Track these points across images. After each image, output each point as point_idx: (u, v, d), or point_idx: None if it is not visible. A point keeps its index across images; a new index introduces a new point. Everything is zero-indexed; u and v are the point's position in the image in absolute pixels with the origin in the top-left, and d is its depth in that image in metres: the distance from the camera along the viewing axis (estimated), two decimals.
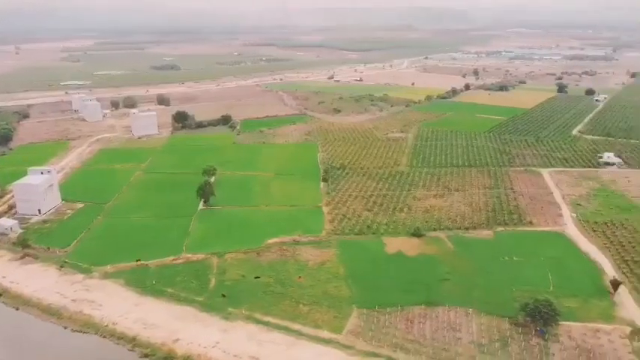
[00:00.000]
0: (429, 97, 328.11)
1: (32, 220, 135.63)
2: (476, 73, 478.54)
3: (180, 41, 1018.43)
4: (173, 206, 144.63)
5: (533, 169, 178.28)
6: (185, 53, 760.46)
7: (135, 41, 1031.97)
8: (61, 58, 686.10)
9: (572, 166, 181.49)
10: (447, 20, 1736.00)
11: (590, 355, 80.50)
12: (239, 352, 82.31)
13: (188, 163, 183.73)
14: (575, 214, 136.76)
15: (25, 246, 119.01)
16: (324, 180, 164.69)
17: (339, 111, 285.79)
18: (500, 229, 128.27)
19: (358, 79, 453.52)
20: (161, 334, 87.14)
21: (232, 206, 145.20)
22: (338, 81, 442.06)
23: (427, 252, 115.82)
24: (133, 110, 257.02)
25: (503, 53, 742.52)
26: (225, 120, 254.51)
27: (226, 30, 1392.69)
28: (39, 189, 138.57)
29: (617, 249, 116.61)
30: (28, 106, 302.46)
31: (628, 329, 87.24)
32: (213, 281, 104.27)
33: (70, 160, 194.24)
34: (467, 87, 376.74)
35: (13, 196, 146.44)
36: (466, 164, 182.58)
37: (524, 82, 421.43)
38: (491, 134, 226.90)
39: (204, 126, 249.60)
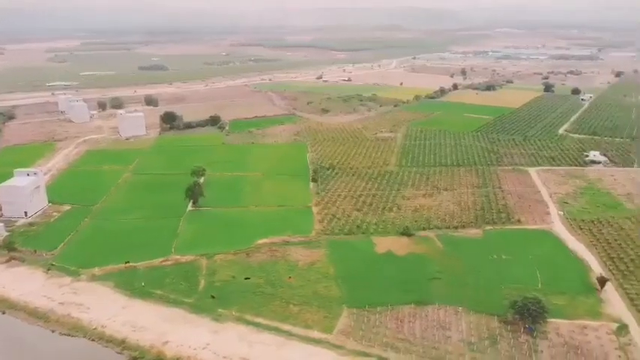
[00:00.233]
0: (417, 97, 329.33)
1: (18, 223, 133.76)
2: (463, 72, 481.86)
3: (168, 41, 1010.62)
4: (162, 207, 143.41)
5: (521, 167, 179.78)
6: (173, 53, 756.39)
7: (123, 41, 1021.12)
8: (47, 59, 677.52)
9: (559, 165, 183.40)
10: (439, 20, 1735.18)
11: (577, 352, 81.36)
12: (229, 353, 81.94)
13: (176, 164, 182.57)
14: (562, 213, 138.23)
15: (11, 249, 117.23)
16: (314, 180, 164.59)
17: (328, 111, 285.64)
18: (488, 227, 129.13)
19: (347, 79, 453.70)
20: (150, 337, 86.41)
21: (221, 207, 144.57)
22: (326, 81, 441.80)
23: (417, 251, 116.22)
24: (121, 111, 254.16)
25: (491, 53, 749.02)
26: (214, 120, 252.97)
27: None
28: (25, 191, 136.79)
29: (603, 246, 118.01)
30: (14, 107, 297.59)
31: (615, 325, 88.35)
32: (202, 282, 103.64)
33: (57, 161, 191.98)
34: (455, 87, 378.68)
35: None
36: (454, 163, 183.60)
37: (511, 82, 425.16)
38: (479, 133, 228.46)
39: (193, 126, 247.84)
